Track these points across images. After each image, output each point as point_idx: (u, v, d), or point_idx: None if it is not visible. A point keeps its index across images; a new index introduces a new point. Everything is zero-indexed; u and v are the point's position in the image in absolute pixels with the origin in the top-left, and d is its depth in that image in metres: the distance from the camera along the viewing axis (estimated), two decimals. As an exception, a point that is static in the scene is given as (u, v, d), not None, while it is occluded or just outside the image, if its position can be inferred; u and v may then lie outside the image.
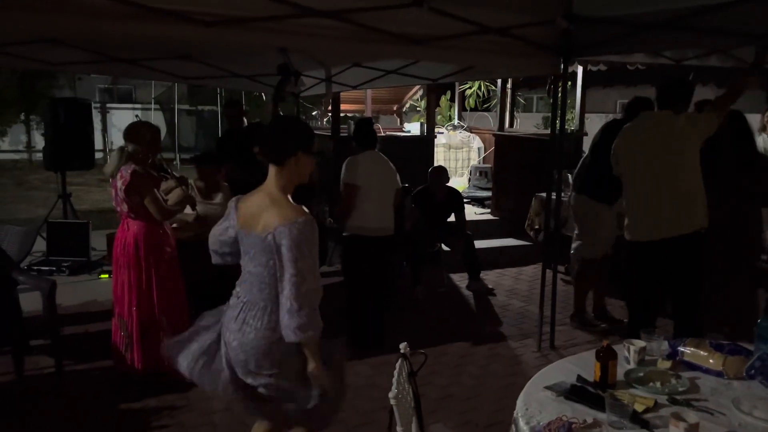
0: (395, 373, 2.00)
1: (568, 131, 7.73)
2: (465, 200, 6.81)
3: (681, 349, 2.54)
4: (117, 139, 15.36)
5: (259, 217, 2.27)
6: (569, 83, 4.73)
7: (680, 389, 2.27)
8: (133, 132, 3.80)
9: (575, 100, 7.92)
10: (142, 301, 3.77)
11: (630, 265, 4.12)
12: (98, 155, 7.89)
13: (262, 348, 2.30)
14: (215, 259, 2.58)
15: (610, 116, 15.38)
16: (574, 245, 5.22)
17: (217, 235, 2.52)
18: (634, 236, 3.97)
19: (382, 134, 8.74)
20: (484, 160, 9.99)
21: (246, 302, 2.35)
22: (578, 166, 5.31)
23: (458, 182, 9.00)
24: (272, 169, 2.34)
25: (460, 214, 6.16)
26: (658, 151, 3.76)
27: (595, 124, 13.20)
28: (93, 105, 7.74)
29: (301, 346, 2.27)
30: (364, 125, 4.82)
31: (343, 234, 4.71)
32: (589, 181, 4.97)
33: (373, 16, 3.50)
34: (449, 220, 6.19)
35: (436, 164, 7.97)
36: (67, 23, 2.91)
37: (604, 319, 5.22)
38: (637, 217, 3.95)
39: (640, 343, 2.54)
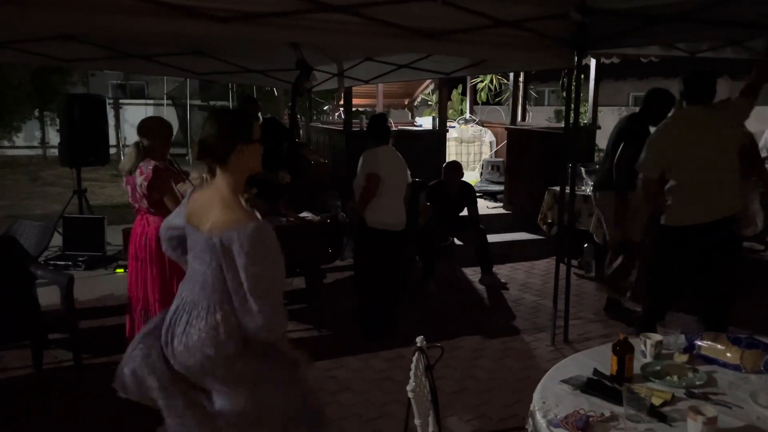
0: (412, 366, 2.01)
1: (582, 124, 7.70)
2: (477, 194, 6.81)
3: (698, 342, 2.53)
4: (130, 135, 15.43)
5: (207, 216, 2.17)
6: (582, 76, 4.71)
7: (697, 383, 2.27)
8: (146, 127, 3.81)
9: (588, 93, 7.89)
10: (166, 295, 3.79)
11: (660, 253, 4.12)
12: (111, 151, 7.92)
13: (207, 350, 2.16)
14: (164, 248, 2.54)
15: (623, 109, 15.33)
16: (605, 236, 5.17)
17: (167, 224, 2.48)
18: (677, 221, 3.98)
19: (394, 128, 8.77)
20: (496, 153, 9.97)
21: (189, 302, 2.25)
22: (601, 162, 5.24)
23: (470, 176, 8.99)
24: (219, 169, 2.22)
25: (473, 208, 6.17)
26: (707, 141, 3.83)
27: (607, 117, 13.17)
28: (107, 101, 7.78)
29: (247, 350, 2.18)
30: (379, 120, 4.85)
31: (364, 226, 4.70)
32: (609, 176, 4.95)
33: (387, 10, 3.50)
34: (462, 214, 6.19)
35: (448, 158, 7.99)
36: (82, 19, 2.93)
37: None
38: (682, 204, 3.97)
39: (657, 337, 2.53)
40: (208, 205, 2.19)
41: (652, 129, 4.64)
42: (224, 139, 2.19)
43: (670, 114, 4.42)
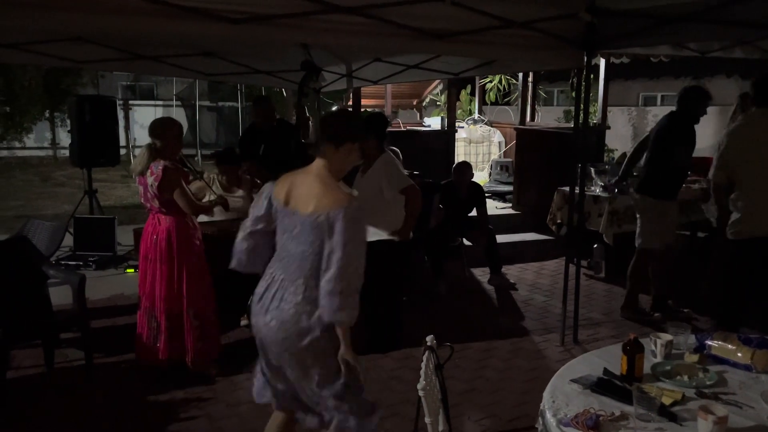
0: (422, 365, 2.02)
1: (591, 124, 7.68)
2: (486, 195, 6.81)
3: (709, 342, 2.53)
4: (139, 136, 15.53)
5: (309, 198, 2.35)
6: (591, 76, 4.71)
7: (708, 383, 2.26)
8: (157, 128, 3.84)
9: (597, 93, 7.87)
10: (171, 293, 3.83)
11: (734, 263, 4.15)
12: (121, 152, 7.97)
13: (302, 324, 2.33)
14: (235, 262, 2.61)
15: (633, 110, 15.27)
16: (637, 240, 5.14)
17: (253, 212, 2.58)
18: (748, 233, 3.99)
19: (403, 129, 8.78)
20: (505, 154, 9.96)
21: (283, 279, 2.40)
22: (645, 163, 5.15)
23: (479, 176, 8.97)
24: (328, 152, 2.43)
25: (482, 208, 6.17)
26: None
27: (617, 117, 13.11)
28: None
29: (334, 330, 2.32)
30: (383, 120, 4.65)
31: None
32: (650, 179, 4.95)
33: (397, 11, 3.51)
34: (471, 214, 6.19)
35: (457, 159, 7.99)
36: (98, 22, 2.97)
37: (661, 309, 5.19)
38: (753, 214, 3.98)
39: (667, 337, 2.53)
40: (308, 188, 2.38)
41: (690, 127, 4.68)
42: (350, 128, 2.47)
43: (740, 117, 4.38)
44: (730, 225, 4.09)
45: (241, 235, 2.60)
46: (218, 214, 4.73)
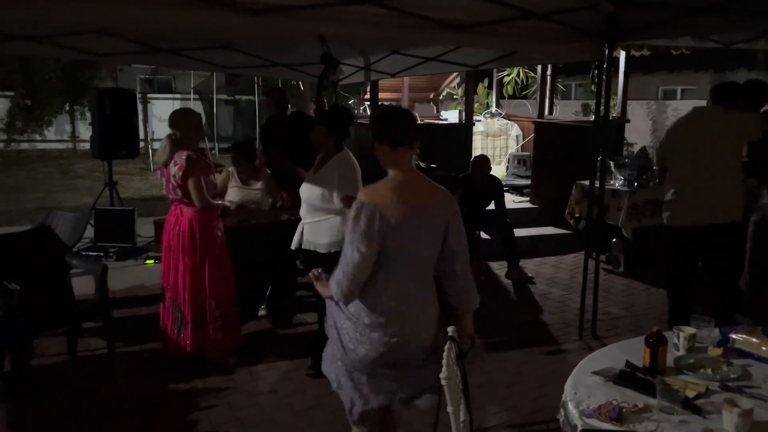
0: (444, 355, 2.02)
1: (611, 118, 7.61)
2: (503, 188, 6.78)
3: (732, 336, 2.51)
4: (158, 129, 15.62)
5: (427, 200, 2.33)
6: (611, 69, 4.66)
7: (732, 376, 2.25)
8: (176, 118, 3.88)
9: (617, 86, 7.79)
10: (195, 284, 3.86)
11: (668, 251, 4.20)
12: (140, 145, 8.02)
13: (437, 321, 2.42)
14: (359, 279, 2.29)
15: (652, 103, 15.10)
16: None
17: (366, 241, 2.24)
18: (679, 221, 4.05)
19: (420, 122, 8.76)
20: (523, 147, 9.91)
21: (415, 289, 2.37)
22: None
23: (496, 170, 8.94)
24: (407, 153, 2.34)
25: (500, 201, 6.15)
26: (706, 145, 3.87)
27: (636, 111, 12.98)
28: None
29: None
30: (348, 114, 4.00)
31: None
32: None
33: (416, 2, 3.50)
34: (489, 208, 6.17)
35: (474, 152, 7.97)
36: (121, 12, 2.99)
37: None
38: (681, 204, 4.03)
39: (690, 330, 2.51)
40: (423, 190, 2.36)
41: None
42: (415, 129, 2.40)
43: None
44: (664, 209, 4.15)
45: (354, 271, 2.26)
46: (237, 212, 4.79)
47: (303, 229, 3.80)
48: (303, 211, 3.79)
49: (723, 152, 3.87)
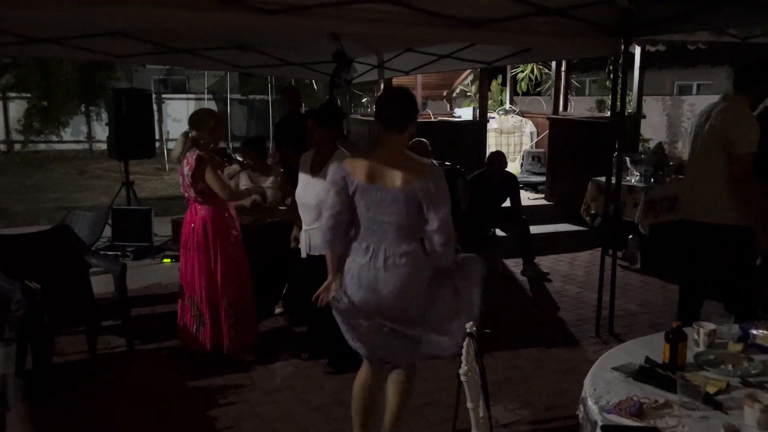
0: (463, 351, 2.02)
1: (626, 114, 7.56)
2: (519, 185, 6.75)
3: (753, 332, 2.49)
4: (172, 129, 15.72)
5: (393, 173, 2.56)
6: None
7: (753, 372, 2.23)
8: (193, 119, 3.92)
9: (632, 81, 7.73)
10: (211, 282, 3.90)
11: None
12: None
13: (417, 276, 2.62)
14: (327, 226, 2.67)
15: (668, 99, 14.95)
16: None
17: (333, 192, 2.65)
18: (683, 214, 3.99)
19: (434, 119, 8.75)
20: (537, 144, 9.87)
21: (385, 249, 2.60)
22: None
23: (510, 167, 8.89)
24: (392, 136, 2.61)
25: (516, 198, 6.13)
26: (699, 138, 3.77)
27: (651, 106, 12.86)
28: (151, 95, 7.94)
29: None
30: (340, 111, 3.98)
31: None
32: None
33: (431, -1, 3.50)
34: (504, 204, 6.16)
35: (488, 149, 7.95)
36: (139, 13, 3.02)
37: None
38: (685, 197, 4.00)
39: (710, 326, 2.49)
40: (388, 165, 2.59)
41: None
42: (410, 111, 2.64)
43: None
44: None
45: (326, 215, 2.67)
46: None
47: (309, 235, 3.74)
48: (305, 218, 3.76)
49: (710, 148, 3.68)
